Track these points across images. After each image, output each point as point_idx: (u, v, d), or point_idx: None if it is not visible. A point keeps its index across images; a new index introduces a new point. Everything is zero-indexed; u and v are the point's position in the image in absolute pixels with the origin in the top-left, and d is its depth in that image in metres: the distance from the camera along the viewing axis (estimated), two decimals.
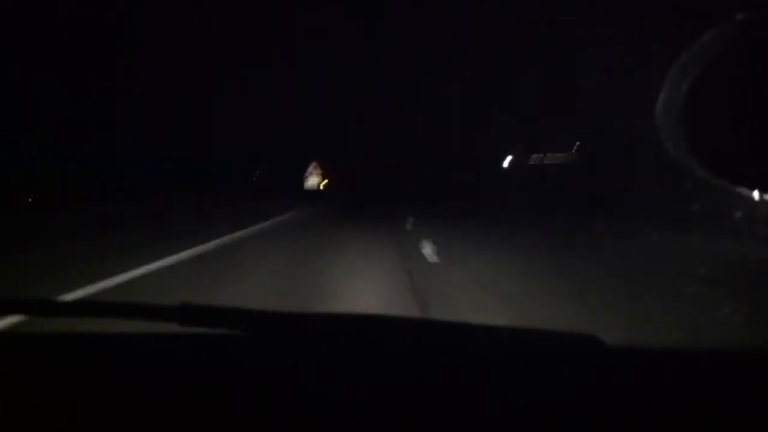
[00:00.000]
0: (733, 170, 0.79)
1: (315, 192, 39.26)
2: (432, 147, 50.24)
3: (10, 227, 10.61)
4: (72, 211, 13.16)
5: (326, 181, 41.66)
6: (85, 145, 17.49)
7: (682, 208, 12.96)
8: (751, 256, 6.87)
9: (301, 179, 42.84)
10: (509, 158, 42.39)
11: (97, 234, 9.72)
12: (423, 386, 0.91)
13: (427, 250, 7.52)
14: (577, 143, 35.70)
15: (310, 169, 42.26)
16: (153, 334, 1.15)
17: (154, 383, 0.92)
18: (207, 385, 0.91)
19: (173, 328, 1.08)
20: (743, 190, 0.83)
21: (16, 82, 14.93)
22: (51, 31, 16.22)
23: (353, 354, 1.04)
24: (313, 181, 42.19)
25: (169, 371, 0.98)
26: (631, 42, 21.84)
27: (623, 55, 22.72)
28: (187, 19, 23.59)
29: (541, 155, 37.49)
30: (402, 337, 1.07)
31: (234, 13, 29.23)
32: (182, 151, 25.41)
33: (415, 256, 7.02)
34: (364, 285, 5.22)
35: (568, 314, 4.00)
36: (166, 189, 20.15)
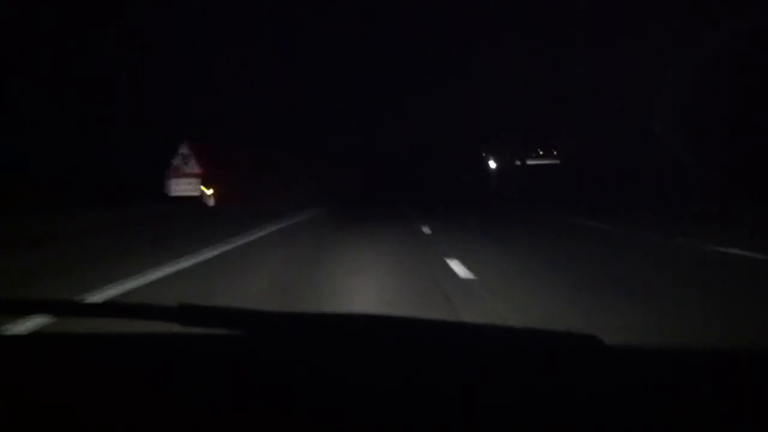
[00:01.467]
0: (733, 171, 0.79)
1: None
2: (434, 147, 50.83)
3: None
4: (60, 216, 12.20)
5: (212, 189, 19.88)
6: (76, 144, 16.99)
7: (678, 209, 13.11)
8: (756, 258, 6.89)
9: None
10: (494, 163, 43.94)
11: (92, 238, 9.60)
12: (422, 386, 0.91)
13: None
14: (539, 150, 36.95)
15: (178, 160, 20.39)
16: (152, 334, 1.15)
17: (153, 384, 0.92)
18: (206, 385, 0.91)
19: (173, 328, 1.08)
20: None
21: (7, 82, 14.66)
22: (47, 29, 16.06)
23: (353, 354, 1.05)
24: (186, 184, 19.96)
25: (169, 372, 0.98)
26: (627, 45, 21.94)
27: (620, 59, 22.97)
28: (183, 17, 23.28)
29: (521, 160, 38.92)
30: (401, 336, 1.08)
31: (219, 10, 27.50)
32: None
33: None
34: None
35: (568, 314, 4.01)
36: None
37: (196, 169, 20.28)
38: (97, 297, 4.41)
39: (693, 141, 17.49)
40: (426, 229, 10.68)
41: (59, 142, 15.93)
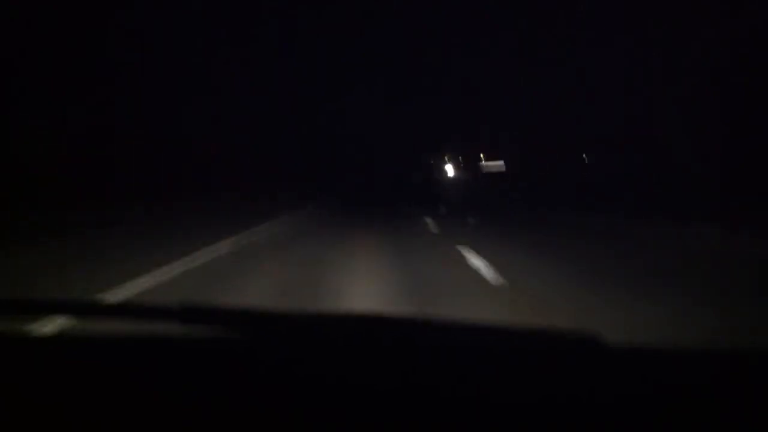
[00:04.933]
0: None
1: None
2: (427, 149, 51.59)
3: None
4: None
5: None
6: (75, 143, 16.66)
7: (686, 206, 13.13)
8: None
9: None
10: (451, 167, 45.83)
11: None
12: (422, 385, 0.91)
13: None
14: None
15: None
16: (153, 335, 1.16)
17: (154, 384, 0.92)
18: (206, 385, 0.91)
19: (174, 328, 1.09)
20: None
21: (7, 82, 14.44)
22: (46, 29, 15.94)
23: (352, 353, 1.05)
24: None
25: (169, 372, 0.98)
26: (627, 44, 21.98)
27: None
28: (183, 18, 23.03)
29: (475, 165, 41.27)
30: (401, 335, 1.08)
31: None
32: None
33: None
34: None
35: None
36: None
37: None
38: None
39: (693, 140, 17.49)
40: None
41: (58, 142, 15.90)
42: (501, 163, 39.33)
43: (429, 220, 12.48)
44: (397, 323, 1.13)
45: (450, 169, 45.88)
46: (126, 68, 19.30)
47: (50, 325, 3.11)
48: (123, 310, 1.30)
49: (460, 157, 45.27)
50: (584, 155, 26.38)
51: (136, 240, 9.13)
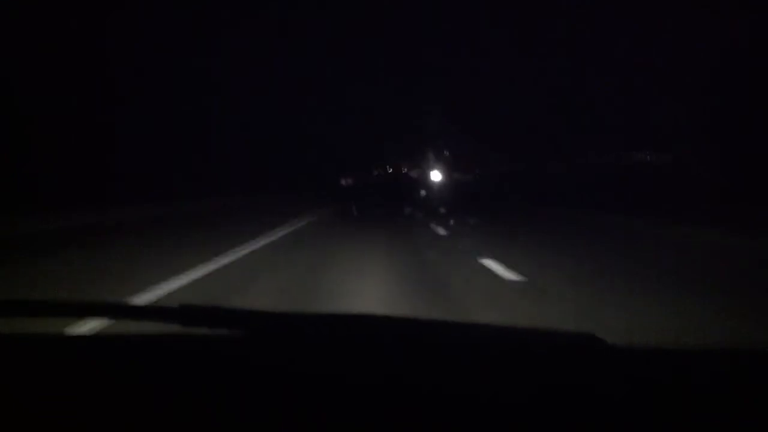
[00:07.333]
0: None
1: None
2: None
3: None
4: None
5: None
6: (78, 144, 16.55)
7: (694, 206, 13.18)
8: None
9: None
10: (437, 173, 47.80)
11: None
12: (422, 385, 0.91)
13: None
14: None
15: None
16: (153, 335, 1.16)
17: (155, 385, 0.92)
18: (206, 385, 0.91)
19: (174, 329, 1.08)
20: None
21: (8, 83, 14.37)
22: (46, 29, 15.90)
23: (353, 354, 1.05)
24: None
25: (170, 372, 0.98)
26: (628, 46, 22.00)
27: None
28: (183, 17, 22.99)
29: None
30: (401, 336, 1.07)
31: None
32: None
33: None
34: None
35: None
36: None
37: None
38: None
39: (694, 141, 17.49)
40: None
41: (60, 143, 15.91)
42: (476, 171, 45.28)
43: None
44: (396, 323, 1.13)
45: (437, 174, 46.55)
46: (126, 68, 19.28)
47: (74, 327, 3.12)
48: (120, 312, 1.30)
49: (439, 161, 47.40)
50: (620, 155, 26.49)
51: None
